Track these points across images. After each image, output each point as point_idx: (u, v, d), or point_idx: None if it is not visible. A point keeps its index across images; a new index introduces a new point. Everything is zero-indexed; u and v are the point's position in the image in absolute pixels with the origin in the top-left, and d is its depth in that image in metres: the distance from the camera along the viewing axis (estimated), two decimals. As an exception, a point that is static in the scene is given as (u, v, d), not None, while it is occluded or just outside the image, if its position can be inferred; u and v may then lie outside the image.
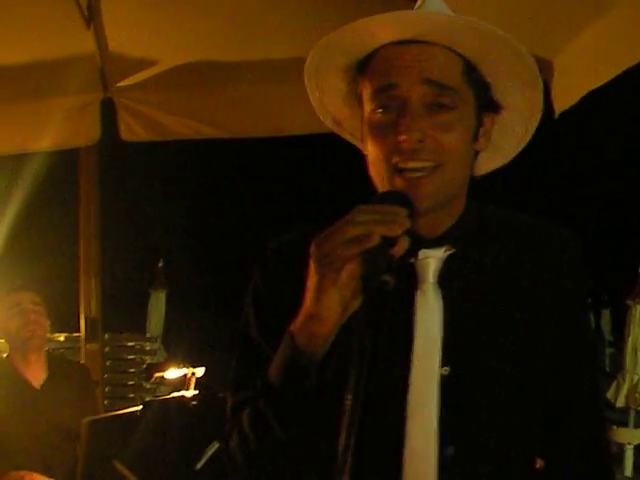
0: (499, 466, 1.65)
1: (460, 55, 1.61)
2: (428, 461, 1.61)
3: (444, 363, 1.62)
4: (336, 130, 1.83)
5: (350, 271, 1.45)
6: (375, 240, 1.43)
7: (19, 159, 5.56)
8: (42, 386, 4.16)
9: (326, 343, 1.52)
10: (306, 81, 1.73)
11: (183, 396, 3.27)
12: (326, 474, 1.47)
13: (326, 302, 1.48)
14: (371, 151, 1.63)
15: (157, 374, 3.68)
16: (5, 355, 4.23)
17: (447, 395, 1.62)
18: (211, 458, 3.34)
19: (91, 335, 5.22)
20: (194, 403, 3.28)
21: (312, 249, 1.48)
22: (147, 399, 3.14)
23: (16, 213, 5.88)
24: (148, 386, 6.30)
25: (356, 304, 1.49)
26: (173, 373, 3.62)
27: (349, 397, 1.37)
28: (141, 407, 3.16)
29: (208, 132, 4.80)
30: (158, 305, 8.70)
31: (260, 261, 1.76)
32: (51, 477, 3.95)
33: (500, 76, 1.64)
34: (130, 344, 6.29)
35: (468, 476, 1.64)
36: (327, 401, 1.50)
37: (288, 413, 1.54)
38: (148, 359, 6.37)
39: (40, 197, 6.07)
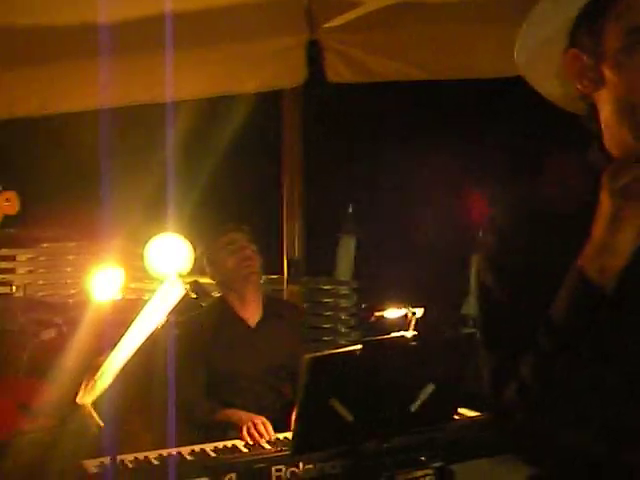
0: None
1: None
2: None
3: None
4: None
5: None
6: None
7: (218, 102, 5.61)
8: (257, 325, 4.22)
9: (615, 276, 1.50)
10: (524, 27, 1.71)
11: (402, 336, 3.24)
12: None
13: (622, 234, 1.47)
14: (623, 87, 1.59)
15: (377, 313, 3.67)
16: (218, 295, 4.29)
17: None
18: (426, 401, 3.31)
19: (294, 277, 5.27)
20: (413, 344, 3.24)
21: (606, 180, 1.47)
22: (366, 338, 3.10)
23: (220, 157, 5.96)
24: (343, 330, 6.34)
25: None
26: (393, 313, 3.61)
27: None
28: (360, 346, 3.14)
29: (414, 74, 4.73)
30: (348, 250, 8.72)
31: (489, 229, 1.77)
32: (262, 413, 4.00)
33: None
34: (326, 287, 6.32)
35: None
36: (622, 337, 1.47)
37: (581, 348, 1.50)
38: (343, 302, 6.40)
39: (244, 140, 6.11)
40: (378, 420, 3.33)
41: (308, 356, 3.11)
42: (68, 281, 5.71)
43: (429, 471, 3.57)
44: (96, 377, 2.88)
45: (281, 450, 3.48)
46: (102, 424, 2.77)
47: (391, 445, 3.41)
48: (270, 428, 3.69)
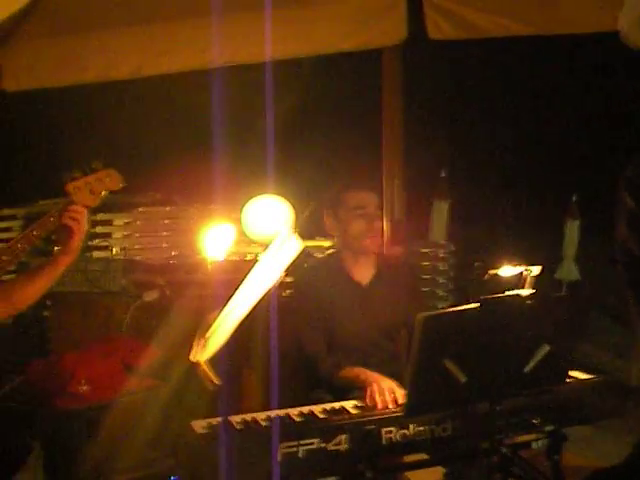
0: None
1: None
2: None
3: None
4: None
5: None
6: None
7: (317, 62, 5.52)
8: (369, 284, 4.14)
9: None
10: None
11: (518, 295, 3.13)
12: None
13: None
14: None
15: (491, 271, 3.57)
16: (331, 251, 4.22)
17: None
18: (540, 362, 3.20)
19: (395, 239, 5.18)
20: (529, 303, 3.13)
21: None
22: (483, 297, 2.99)
23: (319, 117, 5.89)
24: (441, 293, 6.23)
25: None
26: (508, 270, 3.50)
27: None
28: (477, 304, 3.04)
29: (517, 29, 4.59)
30: (441, 215, 8.59)
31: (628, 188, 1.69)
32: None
33: None
34: (424, 250, 6.22)
35: None
36: None
37: None
38: (440, 265, 6.29)
39: (344, 101, 6.02)
40: (491, 381, 3.23)
41: (422, 315, 3.02)
42: (164, 245, 5.69)
43: (541, 434, 3.47)
44: (207, 335, 2.83)
45: (390, 412, 3.39)
46: (218, 382, 2.71)
47: (504, 407, 3.31)
48: (399, 395, 3.58)
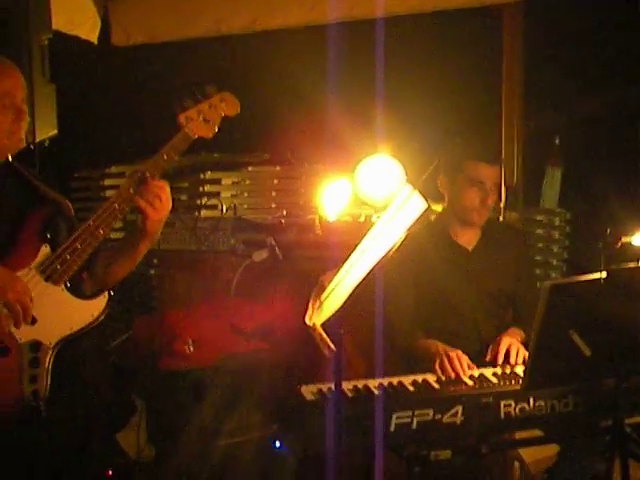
0: None
1: None
2: None
3: None
4: None
5: None
6: None
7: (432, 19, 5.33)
8: (474, 249, 3.98)
9: None
10: None
11: (648, 265, 2.94)
12: None
13: None
14: None
15: (624, 239, 3.38)
16: (436, 215, 4.06)
17: None
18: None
19: (512, 205, 5.00)
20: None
21: None
22: (612, 266, 2.80)
23: (434, 79, 5.71)
24: (555, 262, 6.02)
25: None
26: (641, 239, 3.30)
27: None
28: (604, 274, 2.85)
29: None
30: (553, 182, 8.34)
31: None
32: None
33: None
34: (539, 218, 6.00)
35: None
36: None
37: None
38: (555, 234, 6.07)
39: (462, 61, 5.81)
40: (617, 356, 3.04)
41: (549, 282, 2.86)
42: (273, 205, 5.60)
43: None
44: (323, 298, 2.70)
45: (509, 384, 3.24)
46: (333, 347, 2.59)
47: (630, 385, 3.13)
48: (465, 363, 3.44)
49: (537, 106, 5.90)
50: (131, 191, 2.99)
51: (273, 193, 5.68)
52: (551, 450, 3.76)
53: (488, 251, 3.98)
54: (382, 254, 2.63)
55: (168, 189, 3.03)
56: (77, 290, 2.97)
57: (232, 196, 5.66)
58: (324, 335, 2.65)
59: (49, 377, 2.85)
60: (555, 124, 6.51)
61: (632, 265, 2.97)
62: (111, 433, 3.52)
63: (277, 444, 3.81)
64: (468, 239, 3.97)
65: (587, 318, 2.96)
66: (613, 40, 5.84)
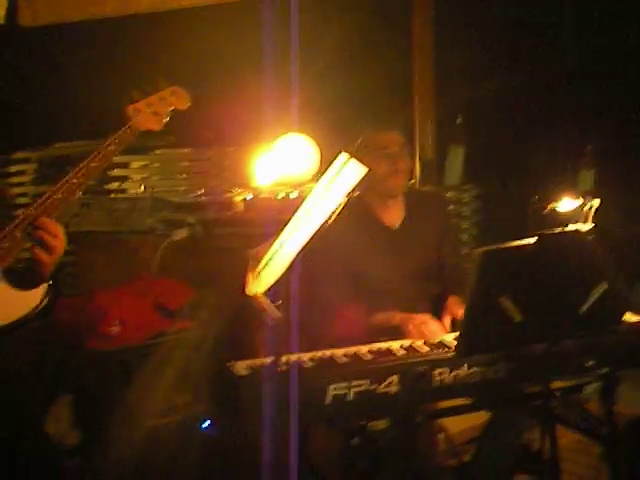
0: None
1: None
2: None
3: None
4: None
5: None
6: None
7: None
8: (399, 227, 3.98)
9: None
10: None
11: (578, 230, 2.97)
12: None
13: None
14: None
15: (550, 205, 3.42)
16: (356, 194, 4.04)
17: None
18: (596, 302, 3.05)
19: (427, 178, 5.04)
20: (590, 238, 2.97)
21: None
22: (541, 232, 2.84)
23: (346, 53, 5.71)
24: (465, 238, 6.10)
25: None
26: (567, 204, 3.34)
27: None
28: (534, 239, 2.88)
29: None
30: (456, 161, 8.46)
31: None
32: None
33: None
34: (448, 195, 6.06)
35: None
36: None
37: None
38: (465, 211, 6.15)
39: (371, 34, 5.82)
40: (546, 322, 3.08)
41: (480, 250, 2.87)
42: (182, 188, 5.53)
43: (595, 377, 3.33)
44: (259, 269, 2.67)
45: (442, 352, 3.25)
46: (279, 314, 2.55)
47: (559, 349, 3.16)
48: (439, 327, 3.47)
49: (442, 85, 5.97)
50: (75, 181, 2.91)
51: (183, 175, 5.61)
52: (475, 420, 3.80)
53: (413, 227, 3.99)
54: (321, 221, 2.61)
55: (62, 230, 2.94)
56: (14, 280, 2.85)
57: (142, 179, 5.57)
58: (267, 304, 2.61)
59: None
60: (459, 103, 6.58)
61: (559, 230, 3.00)
62: (39, 422, 3.41)
63: (205, 424, 3.76)
64: (392, 217, 3.97)
65: (518, 284, 2.98)
66: (519, 22, 5.93)
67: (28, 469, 2.90)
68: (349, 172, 2.58)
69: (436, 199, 4.27)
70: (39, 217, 2.83)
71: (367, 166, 3.76)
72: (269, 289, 2.71)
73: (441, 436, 3.91)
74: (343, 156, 2.61)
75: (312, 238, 2.61)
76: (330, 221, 2.62)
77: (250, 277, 2.74)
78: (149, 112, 3.16)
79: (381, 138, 3.87)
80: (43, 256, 2.87)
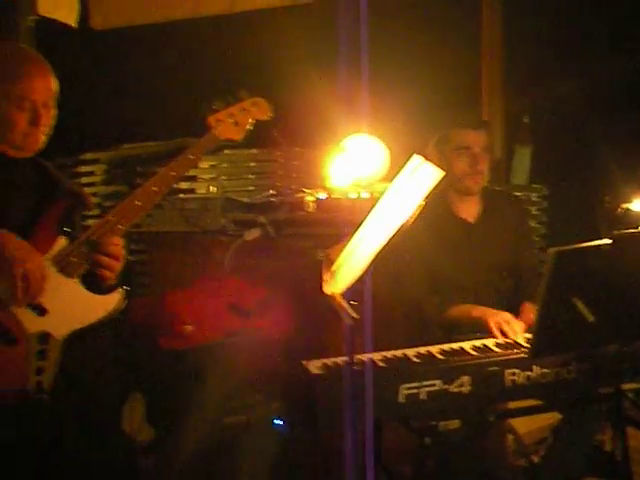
0: None
1: None
2: None
3: None
4: None
5: None
6: None
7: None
8: (476, 221, 4.00)
9: None
10: None
11: (654, 231, 2.96)
12: None
13: None
14: None
15: (622, 205, 3.41)
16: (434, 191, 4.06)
17: None
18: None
19: (495, 178, 5.02)
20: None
21: None
22: (615, 232, 2.83)
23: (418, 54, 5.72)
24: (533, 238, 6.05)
25: None
26: (640, 204, 3.34)
27: None
28: (610, 240, 2.88)
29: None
30: (523, 161, 8.40)
31: None
32: None
33: None
34: (516, 194, 6.02)
35: None
36: None
37: None
38: (533, 210, 6.11)
39: (439, 40, 5.82)
40: (620, 323, 3.08)
41: (554, 249, 2.88)
42: (250, 187, 5.57)
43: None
44: (334, 269, 2.70)
45: (514, 353, 3.25)
46: (356, 315, 2.58)
47: (632, 350, 3.16)
48: (521, 327, 3.48)
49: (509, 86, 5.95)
50: (155, 189, 2.97)
51: (250, 176, 5.65)
52: (544, 421, 3.79)
53: (490, 223, 4.00)
54: (398, 223, 2.63)
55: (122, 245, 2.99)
56: (92, 284, 2.92)
57: (210, 179, 5.62)
58: (344, 304, 2.64)
59: (55, 370, 2.81)
60: (526, 103, 6.56)
61: (635, 231, 2.99)
62: (117, 420, 3.48)
63: (278, 422, 3.81)
64: (469, 211, 3.99)
65: (592, 284, 2.98)
66: (590, 21, 5.89)
67: (106, 466, 2.95)
68: (425, 175, 2.60)
69: (513, 199, 4.27)
70: (104, 236, 2.90)
71: (446, 164, 3.81)
72: (346, 289, 2.73)
73: (510, 436, 3.91)
74: (416, 159, 2.63)
75: (390, 240, 2.63)
76: (408, 224, 2.64)
77: (326, 277, 2.77)
78: (230, 122, 3.22)
79: (466, 136, 3.90)
80: (104, 272, 2.94)
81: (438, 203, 3.93)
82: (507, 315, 3.57)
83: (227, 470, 3.75)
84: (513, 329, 3.47)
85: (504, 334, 3.46)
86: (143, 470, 3.75)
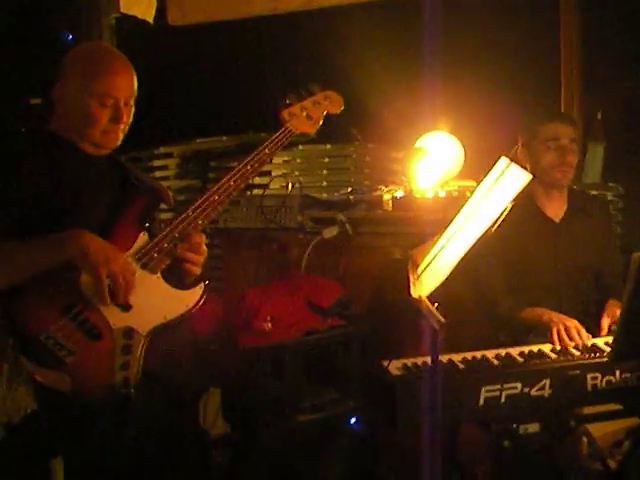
0: None
1: None
2: None
3: None
4: None
5: None
6: None
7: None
8: (561, 220, 3.97)
9: None
10: None
11: None
12: None
13: None
14: None
15: None
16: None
17: None
18: None
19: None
20: None
21: None
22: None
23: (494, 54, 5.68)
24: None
25: None
26: None
27: None
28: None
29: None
30: (595, 158, 8.29)
31: None
32: (560, 310, 3.74)
33: None
34: (592, 193, 5.94)
35: None
36: None
37: None
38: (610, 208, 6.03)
39: (518, 40, 5.78)
40: None
41: (639, 254, 2.84)
42: (324, 183, 5.57)
43: None
44: (419, 272, 2.70)
45: (595, 357, 3.23)
46: (442, 320, 2.58)
47: None
48: (584, 334, 3.44)
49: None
50: (232, 184, 3.00)
51: (323, 171, 5.65)
52: (618, 424, 3.75)
53: (575, 223, 3.98)
54: (485, 226, 2.62)
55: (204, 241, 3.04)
56: (173, 279, 2.96)
57: (284, 174, 5.63)
58: (431, 307, 2.64)
59: (140, 365, 2.85)
60: (598, 100, 6.48)
61: None
62: (194, 413, 3.52)
63: (353, 421, 3.82)
64: (555, 210, 3.97)
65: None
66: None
67: (183, 458, 2.99)
68: (512, 178, 2.59)
69: (599, 201, 4.24)
70: (185, 231, 2.93)
71: (536, 157, 3.79)
72: (432, 292, 2.74)
73: (585, 439, 3.87)
74: (503, 161, 2.62)
75: (476, 243, 2.62)
76: (495, 227, 2.63)
77: (412, 279, 2.77)
78: (303, 116, 3.24)
79: (554, 129, 3.89)
80: (188, 267, 2.98)
81: (524, 198, 3.90)
82: (572, 322, 3.52)
83: (302, 468, 3.77)
84: (572, 337, 3.42)
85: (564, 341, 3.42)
86: (216, 464, 3.79)
